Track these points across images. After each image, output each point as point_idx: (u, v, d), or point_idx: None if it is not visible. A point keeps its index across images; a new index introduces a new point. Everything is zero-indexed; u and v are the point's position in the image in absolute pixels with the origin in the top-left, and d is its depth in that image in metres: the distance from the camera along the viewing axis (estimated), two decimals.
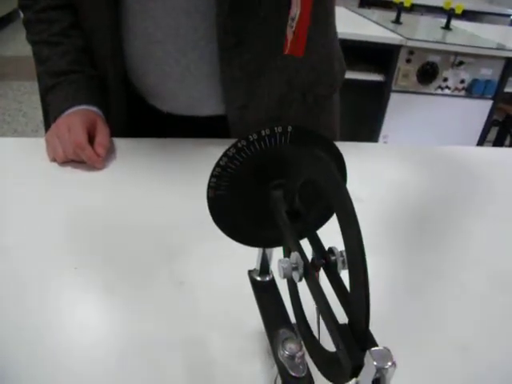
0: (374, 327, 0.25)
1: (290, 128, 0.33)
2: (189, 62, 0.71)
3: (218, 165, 0.34)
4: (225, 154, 0.33)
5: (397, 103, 2.23)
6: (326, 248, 0.30)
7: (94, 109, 0.76)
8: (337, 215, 0.24)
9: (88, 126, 0.72)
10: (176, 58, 0.71)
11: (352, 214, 0.22)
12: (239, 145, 0.33)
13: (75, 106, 0.74)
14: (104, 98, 0.79)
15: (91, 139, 0.71)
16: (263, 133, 0.33)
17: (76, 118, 0.72)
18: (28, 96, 3.39)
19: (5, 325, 0.43)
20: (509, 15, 3.87)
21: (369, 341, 0.23)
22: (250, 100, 0.75)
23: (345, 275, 0.29)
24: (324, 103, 0.84)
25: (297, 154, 0.33)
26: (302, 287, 0.31)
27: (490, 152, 1.00)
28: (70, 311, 0.46)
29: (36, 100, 2.85)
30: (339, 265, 0.29)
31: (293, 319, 0.38)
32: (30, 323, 0.44)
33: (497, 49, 2.20)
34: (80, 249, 0.54)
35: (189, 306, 0.47)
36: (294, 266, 0.29)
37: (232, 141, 0.33)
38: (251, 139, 0.33)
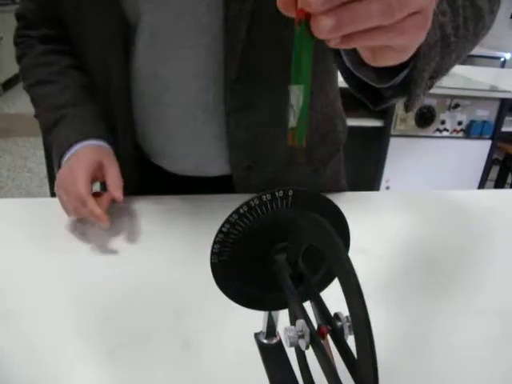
0: None
1: (290, 192, 0.34)
2: (197, 124, 0.71)
3: (220, 231, 0.34)
4: (227, 221, 0.33)
5: (397, 147, 2.26)
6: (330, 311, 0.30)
7: (101, 143, 0.70)
8: (341, 287, 0.24)
9: (93, 169, 0.66)
10: (185, 120, 0.71)
11: (356, 287, 0.22)
12: (241, 211, 0.33)
13: (80, 142, 0.68)
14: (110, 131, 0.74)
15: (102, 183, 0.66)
16: (264, 198, 0.33)
17: (79, 165, 0.66)
18: (33, 151, 3.46)
19: None
20: (499, 57, 3.98)
21: None
22: (255, 161, 0.75)
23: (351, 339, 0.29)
24: (329, 161, 0.85)
25: (298, 219, 0.33)
26: (311, 351, 0.30)
27: (492, 195, 1.00)
28: (72, 375, 0.45)
29: (40, 155, 2.90)
30: (346, 331, 0.28)
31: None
32: None
33: (490, 90, 2.25)
34: (82, 310, 0.53)
35: (195, 369, 0.46)
36: (300, 333, 0.29)
37: (234, 198, 0.33)
38: (253, 205, 0.33)
